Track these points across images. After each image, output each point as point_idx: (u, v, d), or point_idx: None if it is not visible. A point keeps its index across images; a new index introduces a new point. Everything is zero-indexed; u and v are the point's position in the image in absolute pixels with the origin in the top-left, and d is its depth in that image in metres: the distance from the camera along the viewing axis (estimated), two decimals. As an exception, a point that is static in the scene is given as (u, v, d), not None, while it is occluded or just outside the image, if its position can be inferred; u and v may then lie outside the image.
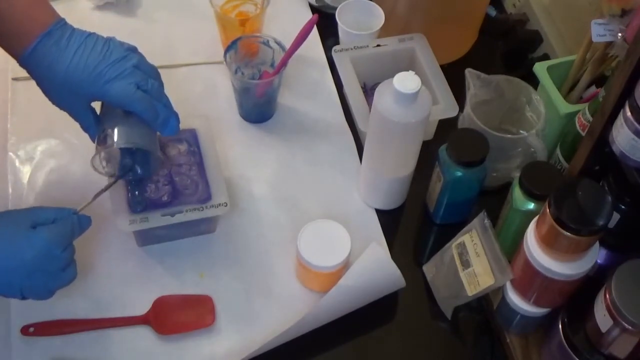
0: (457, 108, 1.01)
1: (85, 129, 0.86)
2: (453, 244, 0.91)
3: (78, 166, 1.01)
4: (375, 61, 1.08)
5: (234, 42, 1.03)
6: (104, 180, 0.90)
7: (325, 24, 1.16)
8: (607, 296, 0.72)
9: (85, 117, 0.85)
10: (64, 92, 0.82)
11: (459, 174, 0.92)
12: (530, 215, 0.84)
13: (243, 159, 1.05)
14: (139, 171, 0.89)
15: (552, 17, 1.19)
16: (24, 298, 0.77)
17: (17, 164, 1.02)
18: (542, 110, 0.97)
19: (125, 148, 0.86)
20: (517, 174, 0.89)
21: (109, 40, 0.83)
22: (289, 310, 0.91)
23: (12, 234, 0.76)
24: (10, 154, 1.03)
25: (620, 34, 0.89)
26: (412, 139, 0.91)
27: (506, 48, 1.21)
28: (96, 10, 1.20)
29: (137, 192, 0.90)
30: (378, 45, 1.07)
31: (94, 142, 0.85)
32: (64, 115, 1.06)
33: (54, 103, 0.84)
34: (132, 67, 0.81)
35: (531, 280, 0.82)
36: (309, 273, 0.90)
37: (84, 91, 0.81)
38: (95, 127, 0.85)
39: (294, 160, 1.06)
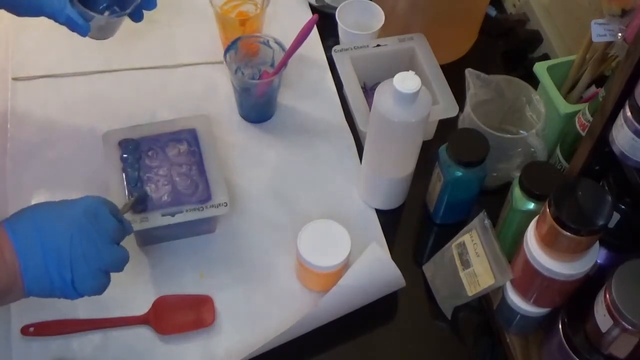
0: (457, 108, 1.01)
1: (56, 13, 0.85)
2: (453, 244, 0.91)
3: (78, 166, 1.01)
4: (375, 61, 1.08)
5: (234, 42, 1.03)
6: (103, 179, 0.91)
7: (325, 24, 1.16)
8: (607, 296, 0.72)
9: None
10: None
11: (459, 174, 0.92)
12: (530, 215, 0.84)
13: (243, 159, 1.05)
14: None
15: (552, 17, 1.19)
16: (72, 282, 0.73)
17: (16, 163, 1.02)
18: (542, 110, 0.97)
19: None
20: (517, 174, 0.89)
21: None
22: (289, 310, 0.91)
23: (61, 200, 0.77)
24: (10, 154, 1.03)
25: (620, 34, 0.89)
26: (412, 139, 0.91)
27: (506, 48, 1.21)
28: (96, 10, 1.20)
29: (136, 192, 0.90)
30: (378, 45, 1.07)
31: (64, 24, 0.85)
32: (64, 115, 1.07)
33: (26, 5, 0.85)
34: None
35: (531, 280, 0.82)
36: (309, 273, 0.90)
37: None
38: (68, 6, 0.85)
39: (294, 160, 1.06)
